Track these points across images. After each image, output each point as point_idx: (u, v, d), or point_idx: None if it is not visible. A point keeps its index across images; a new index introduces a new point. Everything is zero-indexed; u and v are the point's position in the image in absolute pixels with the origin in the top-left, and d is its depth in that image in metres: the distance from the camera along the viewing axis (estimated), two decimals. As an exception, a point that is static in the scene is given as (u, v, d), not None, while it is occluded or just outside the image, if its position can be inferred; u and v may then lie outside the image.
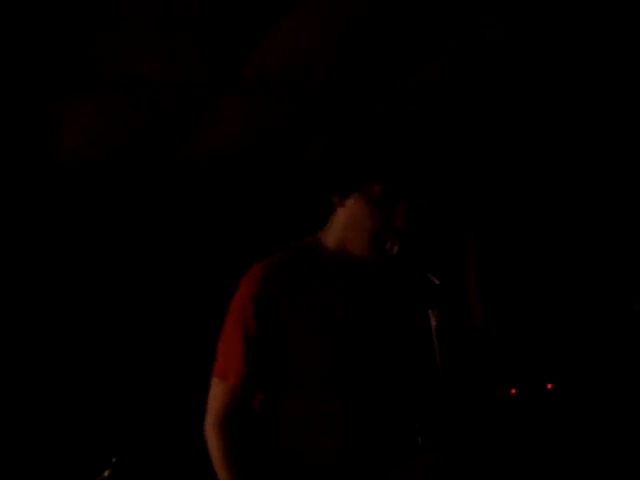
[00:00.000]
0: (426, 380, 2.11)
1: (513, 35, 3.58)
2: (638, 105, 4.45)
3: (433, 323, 1.85)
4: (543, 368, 5.12)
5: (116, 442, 4.81)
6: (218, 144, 4.56)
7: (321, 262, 2.07)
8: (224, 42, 3.30)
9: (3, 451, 4.66)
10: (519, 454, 4.67)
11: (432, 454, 2.00)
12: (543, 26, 3.53)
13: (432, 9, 3.22)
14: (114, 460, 3.76)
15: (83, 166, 4.54)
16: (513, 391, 4.90)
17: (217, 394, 2.01)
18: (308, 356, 2.00)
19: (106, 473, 3.59)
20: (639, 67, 4.00)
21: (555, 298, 5.41)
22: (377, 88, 4.03)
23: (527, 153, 5.06)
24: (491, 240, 5.15)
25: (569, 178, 5.25)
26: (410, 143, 2.08)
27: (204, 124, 4.21)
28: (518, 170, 5.22)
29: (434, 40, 3.53)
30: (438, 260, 2.03)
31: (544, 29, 3.55)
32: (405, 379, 2.14)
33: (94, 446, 4.71)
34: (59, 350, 4.98)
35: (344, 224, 2.04)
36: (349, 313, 2.04)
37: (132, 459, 4.52)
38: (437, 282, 1.84)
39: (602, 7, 3.39)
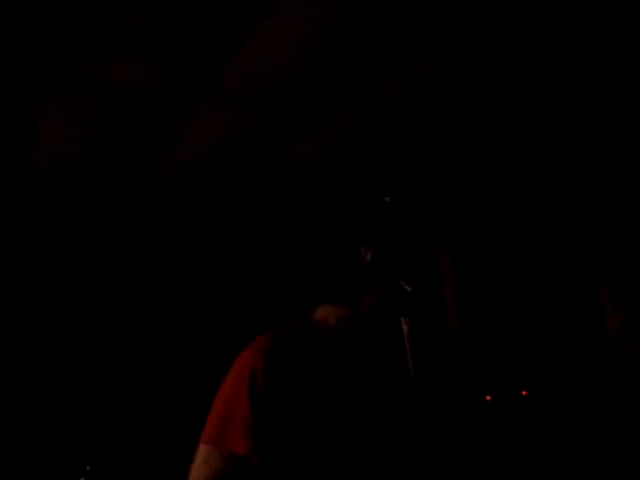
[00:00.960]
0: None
1: (494, 42, 3.60)
2: (605, 109, 4.49)
3: (405, 330, 1.85)
4: (518, 374, 5.15)
5: (90, 450, 4.77)
6: (193, 153, 4.55)
7: (316, 345, 2.08)
8: (199, 50, 3.29)
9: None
10: (495, 459, 4.69)
11: None
12: (525, 33, 3.56)
13: (416, 14, 3.23)
14: (88, 468, 3.73)
15: (55, 173, 4.52)
16: (488, 397, 4.92)
17: (214, 463, 1.90)
18: (302, 433, 1.97)
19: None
20: (612, 71, 4.04)
21: (528, 303, 5.45)
22: (356, 95, 4.04)
23: (500, 160, 5.10)
24: (465, 246, 5.20)
25: (541, 184, 5.29)
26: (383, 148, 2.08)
27: (179, 132, 4.19)
28: (491, 177, 5.26)
29: (417, 45, 3.54)
30: (412, 267, 2.03)
31: (526, 36, 3.59)
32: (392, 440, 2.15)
33: (69, 454, 4.67)
34: (28, 358, 4.94)
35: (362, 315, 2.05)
36: (338, 393, 2.06)
37: (106, 467, 4.49)
38: (409, 289, 1.84)
39: (581, 14, 3.42)
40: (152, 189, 5.00)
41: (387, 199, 2.80)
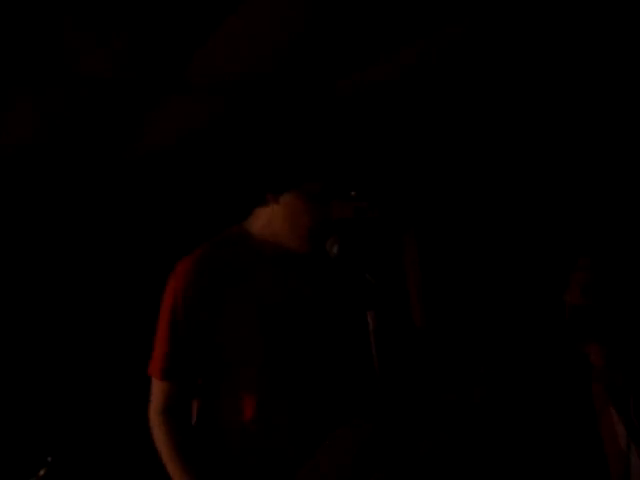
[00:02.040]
0: (359, 377, 2.14)
1: (459, 37, 3.64)
2: (570, 108, 4.55)
3: (370, 323, 1.88)
4: (479, 369, 5.20)
5: (51, 441, 4.74)
6: (161, 142, 4.54)
7: (250, 251, 2.09)
8: (167, 44, 3.29)
9: None
10: (458, 452, 4.74)
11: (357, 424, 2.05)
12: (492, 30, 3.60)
13: (381, 9, 3.26)
14: (49, 459, 3.70)
15: (23, 159, 4.47)
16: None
17: (153, 391, 2.06)
18: (241, 347, 2.03)
19: (41, 472, 3.54)
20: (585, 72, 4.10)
21: (492, 298, 5.50)
22: (322, 88, 4.05)
23: (465, 154, 5.14)
24: (430, 240, 5.23)
25: (506, 179, 5.34)
26: (347, 142, 2.11)
27: (147, 123, 4.19)
28: (457, 171, 5.30)
29: (381, 40, 3.57)
30: (377, 260, 2.05)
31: (493, 33, 3.63)
32: (336, 371, 2.18)
33: (29, 445, 4.63)
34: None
35: (279, 218, 2.07)
36: (280, 302, 2.07)
37: (68, 458, 4.46)
38: (374, 282, 1.86)
39: (553, 14, 3.47)
40: (121, 177, 4.96)
41: (353, 194, 2.82)
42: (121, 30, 3.14)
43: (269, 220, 2.09)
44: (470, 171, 5.27)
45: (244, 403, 2.02)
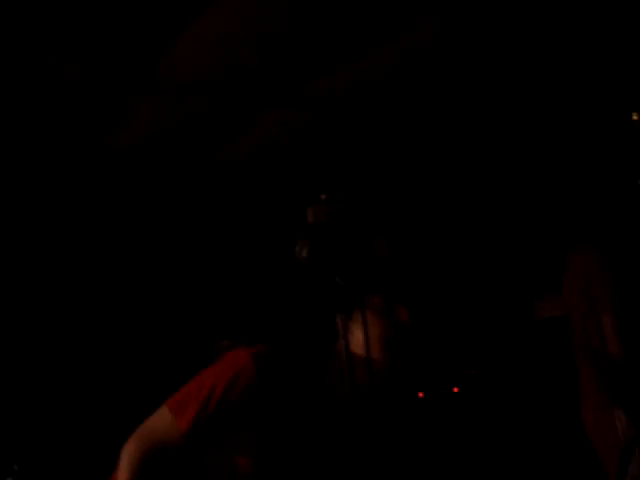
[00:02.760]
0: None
1: (429, 42, 3.66)
2: (540, 113, 4.58)
3: (340, 327, 1.86)
4: (450, 371, 5.21)
5: (18, 449, 4.66)
6: (132, 143, 4.51)
7: (316, 395, 2.15)
8: (138, 43, 3.27)
9: None
10: (427, 455, 4.74)
11: None
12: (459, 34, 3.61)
13: (350, 14, 3.26)
14: (16, 467, 3.65)
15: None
16: (420, 394, 4.97)
17: (160, 420, 2.08)
18: (248, 442, 2.10)
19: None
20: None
21: (463, 303, 5.52)
22: (292, 90, 4.05)
23: (438, 159, 5.15)
24: (402, 245, 5.23)
25: (478, 185, 5.37)
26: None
27: (118, 123, 4.16)
28: (428, 175, 5.31)
29: (353, 44, 3.57)
30: (347, 264, 2.04)
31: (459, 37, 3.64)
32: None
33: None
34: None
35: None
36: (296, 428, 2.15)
37: (34, 466, 4.39)
38: (343, 285, 1.85)
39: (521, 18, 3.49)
40: (94, 177, 4.91)
41: (323, 197, 2.81)
42: (89, 32, 3.11)
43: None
44: (443, 174, 5.28)
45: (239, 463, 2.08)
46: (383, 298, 2.14)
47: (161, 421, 2.07)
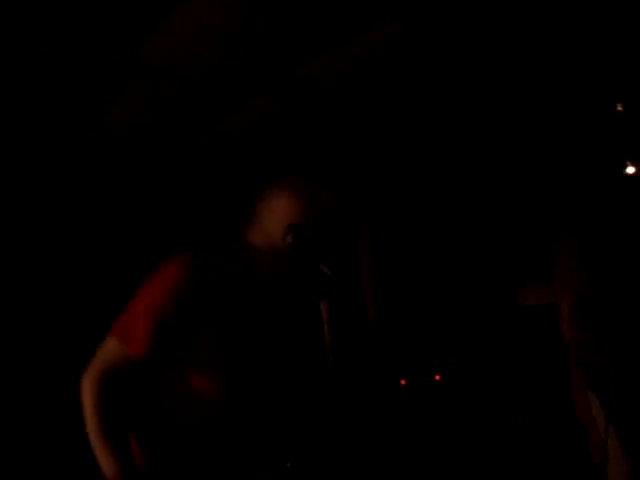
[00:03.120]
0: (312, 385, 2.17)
1: (402, 35, 3.66)
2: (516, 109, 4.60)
3: (324, 314, 1.85)
4: (432, 359, 5.24)
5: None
6: (119, 126, 4.50)
7: (245, 269, 2.10)
8: (122, 25, 3.24)
9: None
10: (408, 442, 4.77)
11: None
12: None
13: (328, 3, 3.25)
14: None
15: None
16: (403, 382, 4.99)
17: (110, 352, 2.01)
18: (207, 350, 2.03)
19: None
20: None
21: (445, 291, 5.54)
22: (276, 77, 4.03)
23: (421, 149, 5.16)
24: (385, 233, 5.24)
25: (460, 174, 5.38)
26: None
27: (104, 106, 4.15)
28: (412, 164, 5.31)
29: (328, 33, 3.56)
30: (332, 251, 2.04)
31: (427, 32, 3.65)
32: (290, 384, 2.21)
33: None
34: None
35: (269, 220, 2.07)
36: (252, 321, 2.10)
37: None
38: (328, 273, 1.85)
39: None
40: (83, 160, 4.88)
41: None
42: (73, 14, 3.08)
43: (264, 225, 2.10)
44: (425, 164, 5.29)
45: (194, 399, 2.02)
46: (305, 180, 2.08)
47: (112, 352, 2.00)
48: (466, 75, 4.26)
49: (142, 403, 2.08)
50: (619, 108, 4.33)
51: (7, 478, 4.42)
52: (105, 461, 1.92)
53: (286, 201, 2.07)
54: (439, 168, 5.32)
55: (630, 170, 4.56)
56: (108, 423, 1.95)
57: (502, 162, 5.23)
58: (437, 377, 5.06)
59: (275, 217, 2.07)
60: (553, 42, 3.87)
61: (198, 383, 2.04)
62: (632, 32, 3.72)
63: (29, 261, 4.90)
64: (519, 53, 4.01)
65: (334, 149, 4.97)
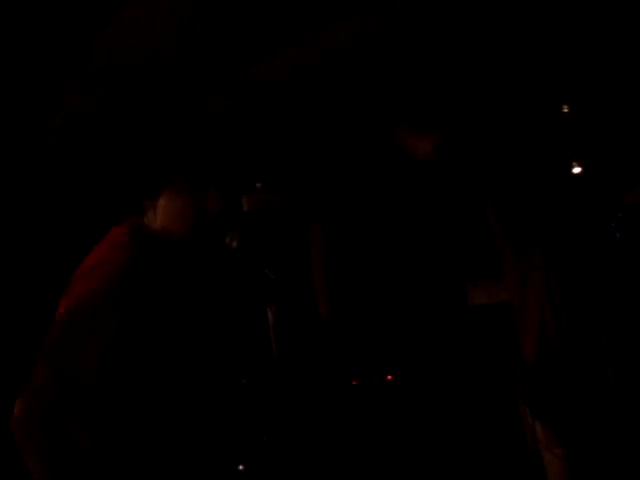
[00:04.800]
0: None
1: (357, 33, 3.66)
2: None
3: (270, 319, 1.85)
4: (383, 359, 5.26)
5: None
6: (65, 127, 4.44)
7: (154, 253, 2.04)
8: (68, 27, 3.21)
9: None
10: (360, 443, 4.78)
11: None
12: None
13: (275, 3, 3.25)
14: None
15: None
16: (354, 382, 5.00)
17: (40, 381, 1.77)
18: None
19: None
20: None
21: (396, 291, 5.57)
22: (228, 78, 4.02)
23: (372, 149, 5.17)
24: (336, 234, 5.24)
25: (410, 173, 5.40)
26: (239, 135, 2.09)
27: (50, 109, 4.09)
28: (362, 164, 5.32)
29: (278, 35, 3.56)
30: (278, 255, 2.03)
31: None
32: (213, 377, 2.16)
33: None
34: None
35: (163, 217, 2.04)
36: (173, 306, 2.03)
37: None
38: (273, 277, 1.84)
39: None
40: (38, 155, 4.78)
41: (258, 185, 2.79)
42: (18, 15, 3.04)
43: (160, 218, 2.06)
44: (376, 164, 5.30)
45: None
46: (194, 181, 2.05)
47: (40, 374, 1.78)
48: (415, 76, 4.28)
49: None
50: (565, 110, 4.39)
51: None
52: None
53: (171, 202, 2.04)
54: (389, 167, 5.34)
55: (576, 170, 4.64)
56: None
57: (450, 159, 5.26)
58: (389, 377, 5.08)
59: (163, 217, 2.04)
60: (505, 43, 3.92)
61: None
62: (576, 32, 3.78)
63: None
64: (467, 52, 4.05)
65: (285, 150, 4.97)
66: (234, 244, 1.95)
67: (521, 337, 2.92)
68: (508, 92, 4.22)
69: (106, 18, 3.19)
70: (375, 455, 4.76)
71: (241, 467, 2.52)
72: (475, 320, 5.46)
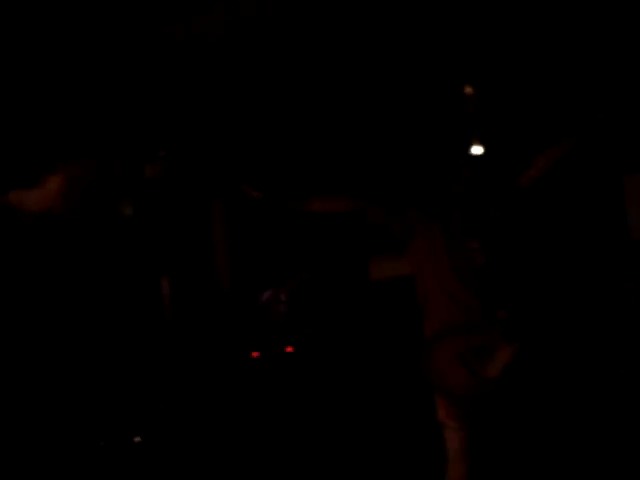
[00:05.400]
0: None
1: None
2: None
3: (165, 289, 1.83)
4: (286, 331, 5.28)
5: None
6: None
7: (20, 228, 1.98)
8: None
9: None
10: (263, 413, 4.79)
11: None
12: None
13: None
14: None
15: None
16: (255, 354, 4.99)
17: None
18: None
19: None
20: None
21: (298, 265, 5.58)
22: (133, 42, 3.92)
23: (273, 123, 5.15)
24: (238, 206, 5.21)
25: (312, 147, 5.41)
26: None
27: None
28: (263, 138, 5.29)
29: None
30: (179, 224, 2.01)
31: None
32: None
33: None
34: None
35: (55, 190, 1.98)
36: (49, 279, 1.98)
37: None
38: (169, 246, 1.82)
39: None
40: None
41: (162, 154, 2.74)
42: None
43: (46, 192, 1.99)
44: (277, 137, 5.28)
45: None
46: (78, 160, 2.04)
47: None
48: (315, 52, 4.28)
49: None
50: (468, 90, 4.48)
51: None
52: None
53: (55, 181, 1.99)
54: (291, 141, 5.33)
55: (476, 149, 4.75)
56: None
57: (351, 131, 5.29)
58: (289, 349, 5.10)
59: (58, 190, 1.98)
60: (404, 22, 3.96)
61: None
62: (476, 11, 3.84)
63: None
64: (373, 32, 4.07)
65: (187, 124, 4.89)
66: (127, 211, 1.92)
67: (424, 311, 2.98)
68: (408, 73, 4.27)
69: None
70: (274, 425, 4.78)
71: (137, 439, 2.49)
72: (376, 294, 5.52)
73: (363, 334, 5.31)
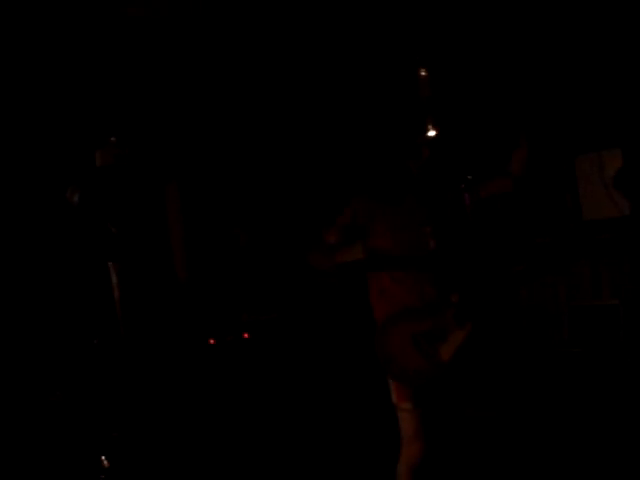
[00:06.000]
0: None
1: None
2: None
3: (112, 276, 1.81)
4: (241, 317, 5.26)
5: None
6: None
7: None
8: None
9: None
10: (218, 401, 4.78)
11: None
12: None
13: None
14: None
15: None
16: (211, 341, 4.98)
17: None
18: None
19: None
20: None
21: (254, 250, 5.57)
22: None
23: (230, 106, 5.12)
24: (193, 191, 5.16)
25: (267, 133, 5.39)
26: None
27: None
28: (219, 121, 5.25)
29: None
30: (129, 211, 1.98)
31: None
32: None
33: None
34: None
35: None
36: None
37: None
38: (115, 232, 1.79)
39: None
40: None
41: (113, 139, 2.69)
42: None
43: None
44: (233, 121, 5.25)
45: None
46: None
47: None
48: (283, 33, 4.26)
49: None
50: (422, 73, 4.47)
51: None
52: None
53: None
54: (246, 123, 5.30)
55: (431, 133, 4.75)
56: None
57: (305, 117, 5.29)
58: (245, 335, 5.08)
59: None
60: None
61: None
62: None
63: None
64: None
65: (141, 105, 4.82)
66: (75, 199, 1.89)
67: (377, 295, 3.00)
68: (363, 57, 4.27)
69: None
70: (232, 412, 4.77)
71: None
72: (333, 279, 5.53)
73: (317, 319, 5.32)
